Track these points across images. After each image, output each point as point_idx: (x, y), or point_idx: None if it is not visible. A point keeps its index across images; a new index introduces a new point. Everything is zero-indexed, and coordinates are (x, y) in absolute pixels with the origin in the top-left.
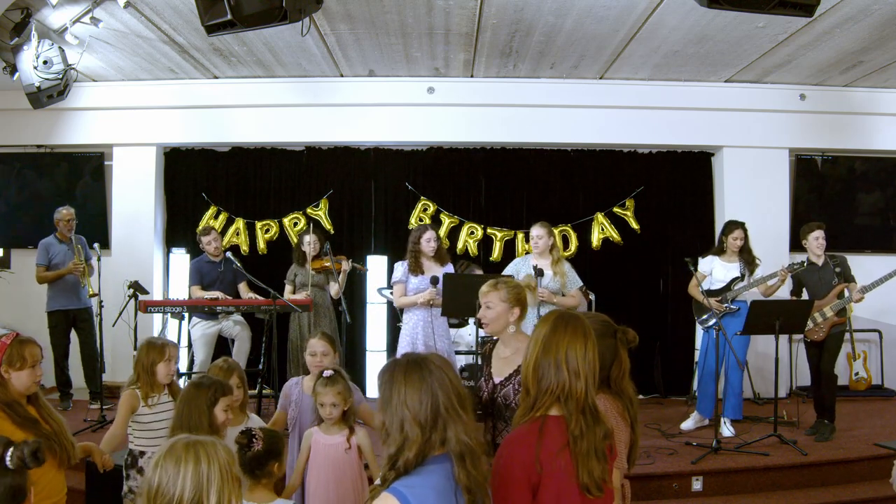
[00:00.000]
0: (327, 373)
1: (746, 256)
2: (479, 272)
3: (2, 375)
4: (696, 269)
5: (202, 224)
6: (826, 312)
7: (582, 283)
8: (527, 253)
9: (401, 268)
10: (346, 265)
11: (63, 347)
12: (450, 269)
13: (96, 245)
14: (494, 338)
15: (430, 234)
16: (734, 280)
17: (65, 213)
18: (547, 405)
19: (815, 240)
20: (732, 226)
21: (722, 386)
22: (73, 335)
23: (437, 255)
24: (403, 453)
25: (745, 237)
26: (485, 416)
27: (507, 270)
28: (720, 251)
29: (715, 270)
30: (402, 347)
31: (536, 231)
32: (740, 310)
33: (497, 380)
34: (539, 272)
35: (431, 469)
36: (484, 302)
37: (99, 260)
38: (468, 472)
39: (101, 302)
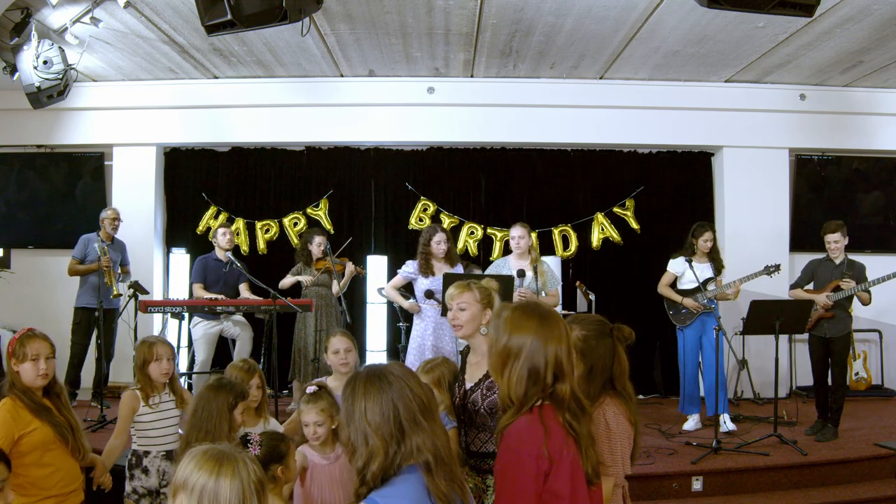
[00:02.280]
0: (310, 389)
1: (714, 257)
2: (479, 272)
3: (12, 367)
4: (694, 271)
5: (203, 224)
6: (818, 301)
7: (561, 282)
8: (507, 254)
9: (412, 266)
10: (350, 267)
11: (83, 345)
12: (459, 269)
13: (95, 245)
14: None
15: (440, 236)
16: (707, 280)
17: (110, 213)
18: (540, 399)
19: (828, 243)
20: (702, 228)
21: (705, 384)
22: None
23: (448, 256)
24: (370, 466)
25: (714, 239)
26: (458, 423)
27: (488, 272)
28: (691, 252)
29: (687, 271)
30: (412, 349)
31: (518, 231)
32: (714, 309)
33: (468, 385)
34: (521, 274)
35: (405, 479)
36: (457, 304)
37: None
38: (437, 481)
39: (101, 302)
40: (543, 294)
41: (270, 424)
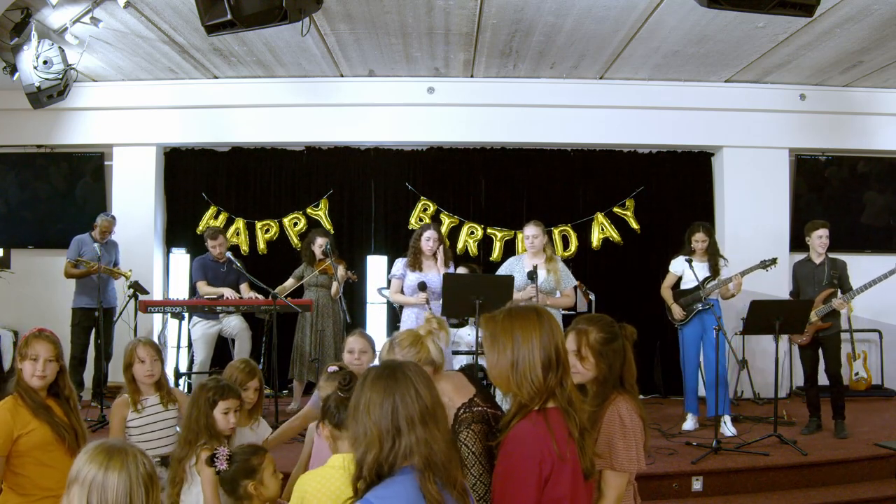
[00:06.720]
0: (331, 368)
1: (711, 259)
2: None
3: (18, 365)
4: (695, 270)
5: (203, 224)
6: (811, 317)
7: (576, 282)
8: (507, 254)
9: (399, 263)
10: (341, 270)
11: (82, 346)
12: (450, 269)
13: (96, 246)
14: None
15: (429, 233)
16: (706, 279)
17: (104, 222)
18: (544, 399)
19: (819, 238)
20: (694, 229)
21: (706, 383)
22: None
23: (436, 255)
24: (366, 458)
25: (709, 240)
26: None
27: (502, 270)
28: (690, 252)
29: (687, 270)
30: None
31: (531, 230)
32: (713, 307)
33: None
34: (531, 275)
35: (403, 480)
36: None
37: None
38: (429, 485)
39: (100, 302)
40: (558, 293)
41: (261, 426)
